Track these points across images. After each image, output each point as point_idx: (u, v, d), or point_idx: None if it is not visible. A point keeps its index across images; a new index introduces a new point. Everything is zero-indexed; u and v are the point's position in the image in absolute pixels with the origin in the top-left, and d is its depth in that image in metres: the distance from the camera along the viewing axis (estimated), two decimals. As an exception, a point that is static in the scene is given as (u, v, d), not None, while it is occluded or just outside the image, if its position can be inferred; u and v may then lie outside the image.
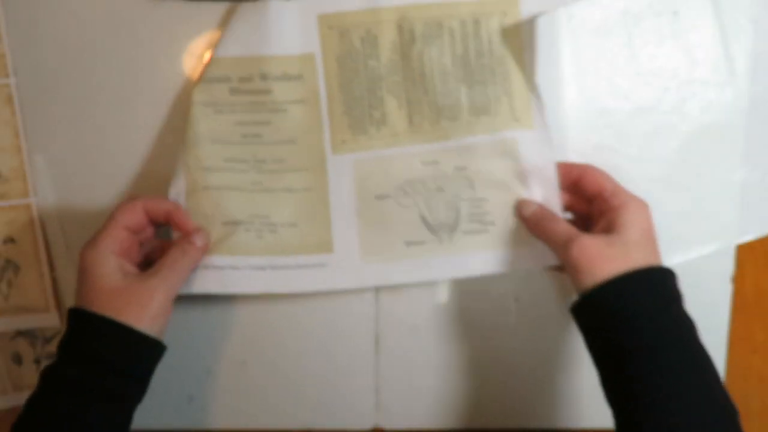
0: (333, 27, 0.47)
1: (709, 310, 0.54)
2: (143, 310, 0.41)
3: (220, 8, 0.48)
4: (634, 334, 0.39)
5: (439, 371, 0.54)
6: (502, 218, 0.47)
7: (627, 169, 0.51)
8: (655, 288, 0.41)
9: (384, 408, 0.55)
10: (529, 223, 0.46)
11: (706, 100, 0.50)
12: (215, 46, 0.47)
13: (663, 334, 0.39)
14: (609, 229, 0.42)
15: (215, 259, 0.47)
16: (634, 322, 0.39)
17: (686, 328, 0.41)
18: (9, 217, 0.50)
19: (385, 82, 0.48)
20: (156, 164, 0.50)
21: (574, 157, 0.50)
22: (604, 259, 0.40)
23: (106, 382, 0.40)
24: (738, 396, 0.55)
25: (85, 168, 0.50)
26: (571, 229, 0.43)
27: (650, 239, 0.43)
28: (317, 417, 0.55)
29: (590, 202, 0.46)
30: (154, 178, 0.50)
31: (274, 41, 0.46)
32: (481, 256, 0.48)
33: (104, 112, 0.50)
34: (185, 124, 0.47)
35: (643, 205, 0.43)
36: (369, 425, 0.55)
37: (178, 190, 0.47)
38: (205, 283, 0.47)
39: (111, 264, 0.42)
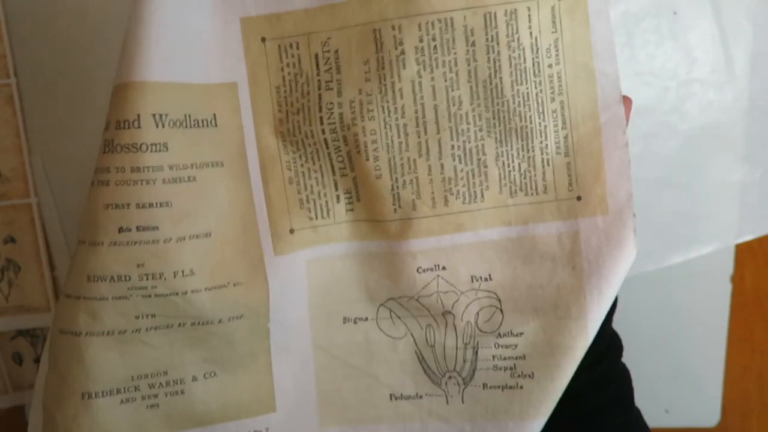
0: (268, 39, 0.28)
1: (709, 310, 0.54)
2: None
3: (221, 8, 0.48)
4: None
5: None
6: (546, 367, 0.28)
7: (627, 169, 0.51)
8: None
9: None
10: None
11: (705, 100, 0.50)
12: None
13: None
14: None
15: None
16: None
17: None
18: (9, 217, 0.50)
19: (352, 132, 0.28)
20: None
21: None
22: None
23: None
24: (738, 396, 0.55)
25: (85, 168, 0.50)
26: None
27: None
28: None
29: None
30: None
31: (169, 59, 0.27)
32: (512, 427, 0.29)
33: (104, 112, 0.50)
34: None
35: None
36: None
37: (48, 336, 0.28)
38: None
39: None
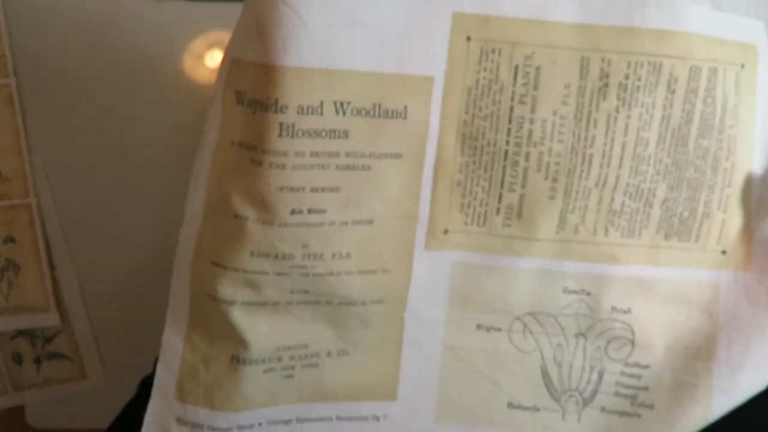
0: (474, 38, 0.28)
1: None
2: None
3: (221, 8, 0.48)
4: None
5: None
6: (666, 400, 0.30)
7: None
8: None
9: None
10: None
11: (705, 100, 0.50)
12: (236, 47, 0.28)
13: None
14: None
15: (212, 417, 0.29)
16: None
17: None
18: (9, 216, 0.50)
19: (537, 150, 0.29)
20: (156, 165, 0.50)
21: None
22: None
23: None
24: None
25: (85, 168, 0.50)
26: None
27: None
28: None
29: None
30: (154, 178, 0.50)
31: (363, 47, 0.27)
32: None
33: (104, 112, 0.50)
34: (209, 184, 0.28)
35: None
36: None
37: (177, 288, 0.29)
38: None
39: None
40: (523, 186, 0.29)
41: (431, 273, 0.30)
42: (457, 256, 0.30)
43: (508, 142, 0.28)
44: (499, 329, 0.30)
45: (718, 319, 0.30)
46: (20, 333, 0.52)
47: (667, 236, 0.30)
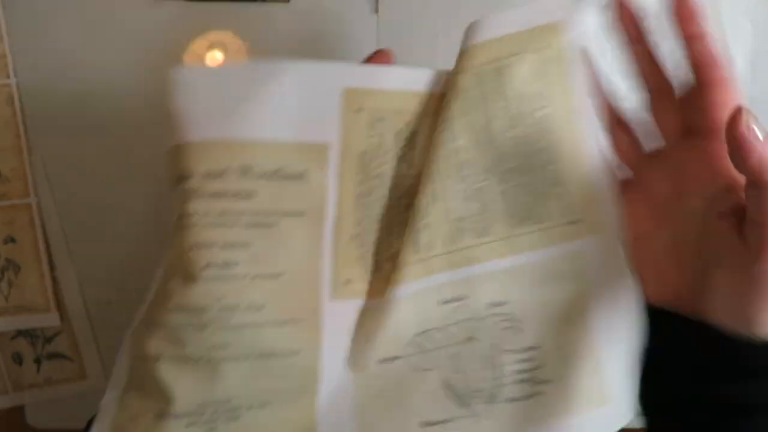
0: (363, 109, 0.31)
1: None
2: None
3: (221, 8, 0.48)
4: None
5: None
6: (560, 371, 0.31)
7: (627, 169, 0.51)
8: None
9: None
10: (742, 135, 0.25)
11: (705, 100, 0.50)
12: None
13: None
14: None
15: None
16: None
17: None
18: (9, 216, 0.50)
19: (411, 200, 0.32)
20: (156, 165, 0.50)
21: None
22: None
23: None
24: (738, 396, 0.55)
25: (85, 168, 0.50)
26: None
27: None
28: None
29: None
30: (154, 178, 0.50)
31: (267, 120, 0.30)
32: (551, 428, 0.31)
33: (104, 113, 0.50)
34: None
35: None
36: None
37: (121, 356, 0.31)
38: None
39: None
40: (403, 234, 0.32)
41: (339, 321, 0.31)
42: (358, 303, 0.32)
43: (390, 196, 0.32)
44: (397, 357, 0.32)
45: (585, 286, 0.32)
46: (20, 333, 0.52)
47: (517, 224, 0.32)
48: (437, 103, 0.31)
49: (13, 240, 0.51)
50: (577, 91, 0.32)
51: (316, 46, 0.49)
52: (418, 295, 0.32)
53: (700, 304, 0.28)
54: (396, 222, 0.32)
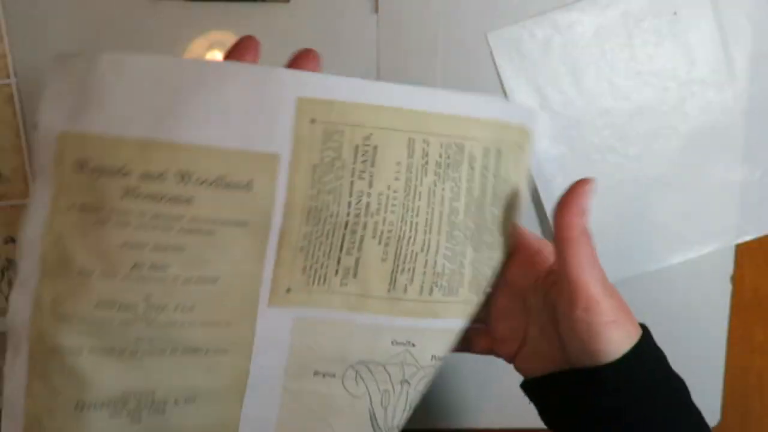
0: (317, 121, 0.30)
1: (709, 310, 0.54)
2: None
3: (221, 8, 0.48)
4: (650, 403, 0.33)
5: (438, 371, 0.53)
6: None
7: (627, 169, 0.51)
8: (657, 347, 0.36)
9: (384, 408, 0.55)
10: (580, 235, 0.33)
11: (705, 100, 0.50)
12: (59, 120, 0.28)
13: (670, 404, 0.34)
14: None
15: None
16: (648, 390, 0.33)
17: (684, 390, 0.35)
18: (9, 217, 0.50)
19: (373, 219, 0.31)
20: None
21: (575, 157, 0.50)
22: (626, 312, 0.34)
23: None
24: (737, 396, 0.55)
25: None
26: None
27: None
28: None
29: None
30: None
31: (213, 124, 0.28)
32: None
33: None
34: (44, 244, 0.29)
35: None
36: (369, 425, 0.55)
37: (15, 346, 0.29)
38: None
39: None
40: (359, 250, 0.32)
41: (275, 328, 0.32)
42: (299, 312, 0.32)
43: (348, 214, 0.31)
44: (333, 375, 0.33)
45: None
46: (20, 333, 0.52)
47: (477, 293, 0.34)
48: (402, 118, 0.31)
49: (13, 240, 0.51)
50: (522, 190, 0.36)
51: (316, 46, 0.49)
52: (375, 328, 0.33)
53: (562, 357, 0.34)
54: (350, 239, 0.32)
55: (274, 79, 0.29)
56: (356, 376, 0.34)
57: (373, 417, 0.34)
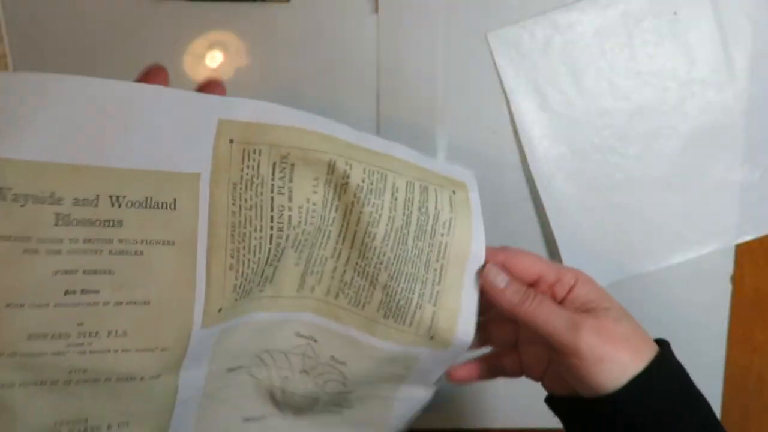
0: (236, 141, 0.31)
1: (709, 310, 0.54)
2: None
3: (221, 8, 0.48)
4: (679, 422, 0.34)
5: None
6: (369, 403, 0.39)
7: (627, 169, 0.51)
8: (677, 368, 0.36)
9: (384, 408, 0.55)
10: (504, 298, 0.35)
11: (705, 100, 0.50)
12: (30, 139, 0.27)
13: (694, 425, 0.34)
14: (585, 309, 0.36)
15: None
16: (670, 414, 0.34)
17: (707, 407, 0.35)
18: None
19: (294, 232, 0.33)
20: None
21: (575, 157, 0.50)
22: (623, 341, 0.34)
23: None
24: (737, 395, 0.55)
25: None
26: (569, 310, 0.35)
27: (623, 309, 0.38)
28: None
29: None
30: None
31: (137, 148, 0.29)
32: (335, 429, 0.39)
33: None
34: None
35: (589, 276, 0.38)
36: (369, 425, 0.55)
37: None
38: None
39: None
40: (279, 259, 0.33)
41: (203, 343, 0.32)
42: (224, 326, 0.32)
43: (272, 227, 0.32)
44: (241, 367, 0.36)
45: (411, 372, 0.38)
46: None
47: (385, 315, 0.36)
48: (326, 143, 0.32)
49: (13, 240, 0.51)
50: (474, 236, 0.37)
51: (316, 46, 0.49)
52: (282, 321, 0.35)
53: (568, 387, 0.36)
54: (275, 252, 0.32)
55: (198, 102, 0.30)
56: (260, 362, 0.36)
57: (272, 394, 0.37)
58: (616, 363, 0.33)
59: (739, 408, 0.56)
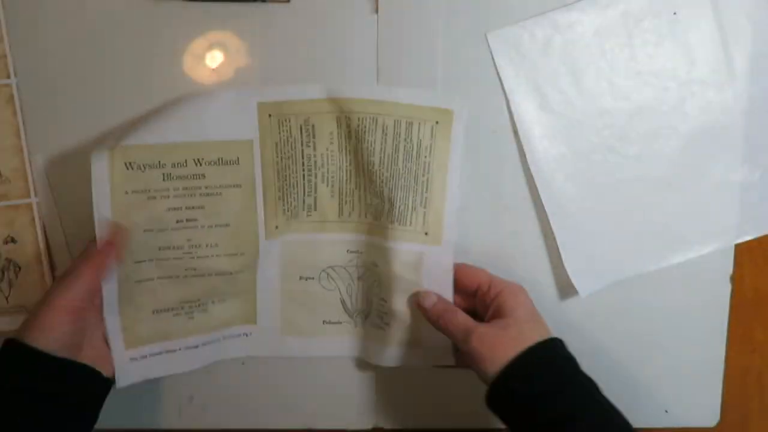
0: (272, 115, 0.48)
1: (709, 310, 0.54)
2: (45, 332, 0.41)
3: (221, 8, 0.48)
4: (553, 406, 0.41)
5: (438, 371, 0.54)
6: (399, 320, 0.50)
7: (627, 169, 0.51)
8: (556, 358, 0.44)
9: (384, 408, 0.55)
10: (430, 314, 0.47)
11: (705, 100, 0.50)
12: (143, 133, 0.46)
13: (577, 400, 0.42)
14: (497, 315, 0.45)
15: (150, 348, 0.48)
16: (549, 395, 0.41)
17: (593, 386, 0.43)
18: (10, 217, 0.50)
19: (320, 171, 0.49)
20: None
21: (575, 157, 0.50)
22: (503, 344, 0.43)
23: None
24: (737, 396, 0.55)
25: (86, 168, 0.50)
26: (469, 321, 0.46)
27: (535, 315, 0.46)
28: (317, 417, 0.55)
29: (473, 297, 0.49)
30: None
31: (211, 127, 0.47)
32: (380, 348, 0.51)
33: (104, 113, 0.50)
34: (113, 212, 0.45)
35: (519, 288, 0.47)
36: (369, 425, 0.55)
37: (109, 287, 0.46)
38: (143, 371, 0.48)
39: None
40: (315, 192, 0.50)
41: (270, 251, 0.51)
42: (283, 239, 0.51)
43: (303, 170, 0.49)
44: (313, 278, 0.52)
45: (421, 274, 0.49)
46: (21, 333, 0.52)
47: (392, 222, 0.49)
48: (327, 105, 0.48)
49: (13, 240, 0.51)
50: (452, 159, 0.49)
51: (316, 46, 0.49)
52: (336, 242, 0.51)
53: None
54: (308, 186, 0.50)
55: (241, 94, 0.48)
56: (327, 276, 0.52)
57: (343, 303, 0.53)
58: (494, 360, 0.42)
59: (739, 408, 0.56)
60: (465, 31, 0.49)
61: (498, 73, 0.50)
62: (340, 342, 0.53)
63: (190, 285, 0.49)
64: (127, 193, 0.45)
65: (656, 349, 0.54)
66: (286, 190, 0.49)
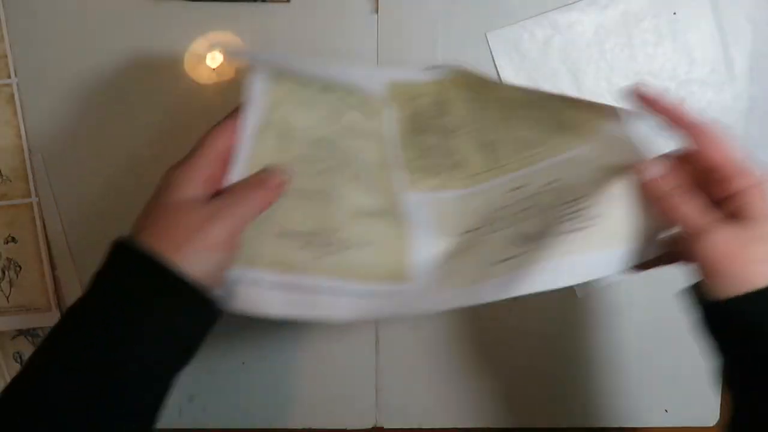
0: (403, 93, 0.46)
1: (709, 310, 0.54)
2: (197, 243, 0.36)
3: (221, 8, 0.48)
4: None
5: (439, 371, 0.54)
6: (607, 212, 0.39)
7: (627, 169, 0.51)
8: None
9: (384, 408, 0.55)
10: (653, 191, 0.36)
11: (705, 100, 0.50)
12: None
13: None
14: (739, 215, 0.35)
15: (265, 274, 0.39)
16: None
17: None
18: (10, 216, 0.50)
19: (456, 134, 0.47)
20: (157, 164, 0.50)
21: (574, 157, 0.50)
22: (752, 260, 0.33)
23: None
24: (737, 395, 0.55)
25: (86, 168, 0.50)
26: (705, 214, 0.35)
27: None
28: (317, 417, 0.55)
29: (705, 174, 0.37)
30: (154, 178, 0.50)
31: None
32: (579, 258, 0.39)
33: (104, 112, 0.50)
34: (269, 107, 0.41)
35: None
36: (369, 425, 0.55)
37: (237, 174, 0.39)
38: (257, 300, 0.40)
39: (192, 190, 0.38)
40: (457, 153, 0.46)
41: (415, 203, 0.45)
42: (431, 194, 0.46)
43: (437, 136, 0.46)
44: (478, 228, 0.44)
45: (597, 165, 0.42)
46: (21, 332, 0.52)
47: (562, 132, 0.44)
48: (448, 86, 0.45)
49: (14, 240, 0.51)
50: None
51: (316, 46, 0.49)
52: (488, 190, 0.46)
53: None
54: (446, 148, 0.46)
55: (374, 71, 0.48)
56: (490, 223, 0.44)
57: (512, 240, 0.42)
58: (736, 279, 0.33)
59: (739, 408, 0.56)
60: (465, 31, 0.49)
61: (498, 73, 0.50)
62: (514, 277, 0.40)
63: (325, 211, 0.42)
64: (270, 137, 0.41)
65: (656, 349, 0.54)
66: (424, 153, 0.46)
